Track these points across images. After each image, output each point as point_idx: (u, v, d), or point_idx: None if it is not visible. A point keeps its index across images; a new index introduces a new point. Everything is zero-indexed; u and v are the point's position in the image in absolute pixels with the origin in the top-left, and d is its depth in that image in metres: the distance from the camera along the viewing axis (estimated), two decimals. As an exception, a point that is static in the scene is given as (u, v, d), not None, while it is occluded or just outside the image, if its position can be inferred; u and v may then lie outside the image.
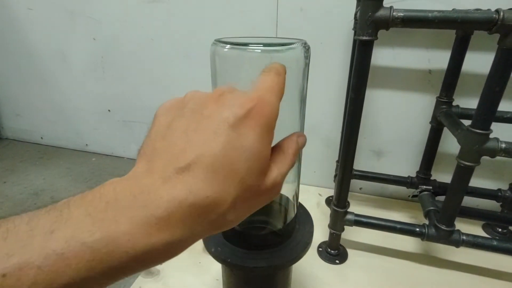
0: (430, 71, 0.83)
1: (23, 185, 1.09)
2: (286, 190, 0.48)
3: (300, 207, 0.51)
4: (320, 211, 0.94)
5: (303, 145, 0.27)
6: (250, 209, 0.22)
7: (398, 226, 0.69)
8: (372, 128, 0.93)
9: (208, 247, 0.43)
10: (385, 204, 0.98)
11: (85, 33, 1.12)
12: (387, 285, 0.70)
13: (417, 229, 0.68)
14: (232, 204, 0.19)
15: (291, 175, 0.47)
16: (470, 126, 0.57)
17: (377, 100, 0.89)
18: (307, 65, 0.38)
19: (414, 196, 0.86)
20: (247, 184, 0.19)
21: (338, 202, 0.70)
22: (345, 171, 0.65)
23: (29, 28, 1.18)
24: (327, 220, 0.85)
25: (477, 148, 0.56)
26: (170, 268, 0.74)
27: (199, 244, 0.82)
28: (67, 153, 1.33)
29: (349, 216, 0.71)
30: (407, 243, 0.82)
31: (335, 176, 0.92)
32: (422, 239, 0.68)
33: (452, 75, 0.75)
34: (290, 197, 0.47)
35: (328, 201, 0.98)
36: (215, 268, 0.74)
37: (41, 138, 1.40)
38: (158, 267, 0.74)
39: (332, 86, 0.92)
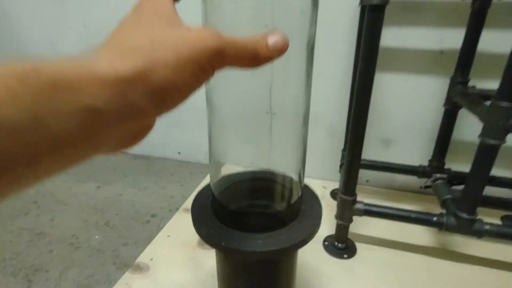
0: (442, 52, 0.77)
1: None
2: (290, 169, 0.42)
3: (306, 188, 0.45)
4: (325, 204, 0.86)
5: (276, 46, 0.22)
6: (186, 66, 0.19)
7: (413, 215, 0.62)
8: (380, 115, 0.87)
9: (200, 230, 0.37)
10: (394, 197, 0.91)
11: (75, 20, 1.07)
12: (400, 280, 0.63)
13: (435, 219, 0.61)
14: (154, 65, 0.18)
15: (294, 150, 0.41)
16: (494, 100, 0.51)
17: (384, 85, 0.83)
18: (315, 5, 0.32)
19: (426, 187, 0.80)
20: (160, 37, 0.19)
21: (346, 190, 0.64)
22: (354, 153, 0.59)
23: (17, 16, 1.13)
24: (332, 213, 0.78)
25: (503, 123, 0.50)
26: (160, 263, 0.67)
27: (193, 238, 0.76)
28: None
29: (358, 205, 0.65)
30: (421, 236, 0.76)
31: (340, 166, 0.85)
32: (440, 230, 0.61)
33: (468, 54, 0.69)
34: (295, 177, 0.41)
35: (333, 193, 0.91)
36: (211, 264, 0.67)
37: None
38: (148, 262, 0.67)
39: (336, 71, 0.86)
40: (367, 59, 0.53)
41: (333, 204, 0.86)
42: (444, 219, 0.60)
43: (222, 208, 0.40)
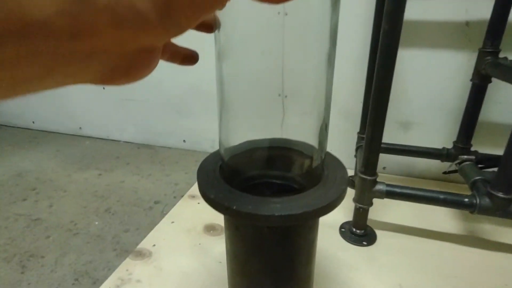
0: (467, 23, 0.71)
1: (7, 167, 0.99)
2: (308, 137, 0.36)
3: (328, 155, 0.39)
4: (339, 191, 0.81)
5: None
6: None
7: (442, 196, 0.56)
8: (398, 96, 0.81)
9: (206, 194, 0.32)
10: (414, 185, 0.84)
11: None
12: (427, 269, 0.57)
13: (466, 200, 0.55)
14: None
15: (313, 118, 0.35)
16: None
17: (403, 62, 0.78)
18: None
19: (451, 171, 0.73)
20: None
21: (367, 168, 0.58)
22: (376, 126, 0.54)
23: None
24: (348, 200, 0.72)
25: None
26: (164, 250, 0.62)
27: (199, 224, 0.71)
28: (59, 137, 1.22)
29: (379, 186, 0.59)
30: (445, 222, 0.69)
31: (356, 149, 0.80)
32: (472, 212, 0.55)
33: (498, 21, 0.63)
34: (315, 145, 0.36)
35: (348, 181, 0.85)
36: (218, 250, 0.62)
37: (33, 122, 1.30)
38: (150, 248, 0.62)
39: (350, 53, 0.81)
40: (392, 14, 0.47)
41: (349, 191, 0.81)
42: (477, 200, 0.54)
43: (233, 173, 0.35)
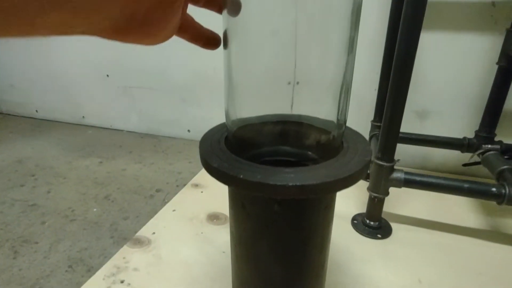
0: (493, 3, 0.67)
1: (7, 153, 0.97)
2: (326, 112, 0.32)
3: (348, 129, 0.35)
4: (351, 183, 0.77)
5: None
6: None
7: (466, 185, 0.52)
8: (415, 82, 0.76)
9: (209, 163, 0.28)
10: (430, 178, 0.80)
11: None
12: (449, 264, 0.52)
13: (493, 189, 0.50)
14: None
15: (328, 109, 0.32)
16: None
17: (421, 46, 0.73)
18: None
19: (471, 164, 0.68)
20: None
21: (384, 153, 0.53)
22: (396, 105, 0.49)
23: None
24: (360, 192, 0.69)
25: None
26: (163, 238, 0.58)
27: (202, 213, 0.67)
28: (62, 126, 1.20)
29: (397, 174, 0.55)
30: (466, 216, 0.65)
31: (370, 138, 0.75)
32: (500, 203, 0.50)
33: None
34: (333, 119, 0.32)
35: (360, 172, 0.81)
36: (222, 240, 0.58)
37: (36, 111, 1.28)
38: (150, 236, 0.59)
39: (364, 38, 0.76)
40: (413, 16, 0.43)
41: (362, 183, 0.76)
42: (506, 190, 0.50)
43: (240, 147, 0.31)
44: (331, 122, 0.32)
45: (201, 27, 0.27)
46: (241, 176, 0.25)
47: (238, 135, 0.32)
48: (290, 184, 0.24)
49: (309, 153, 0.33)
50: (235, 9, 0.26)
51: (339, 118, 0.32)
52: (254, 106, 0.34)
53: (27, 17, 0.12)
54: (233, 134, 0.32)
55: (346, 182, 0.26)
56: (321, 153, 0.32)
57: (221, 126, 0.35)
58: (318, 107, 0.33)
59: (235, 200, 0.31)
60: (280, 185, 0.24)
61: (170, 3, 0.18)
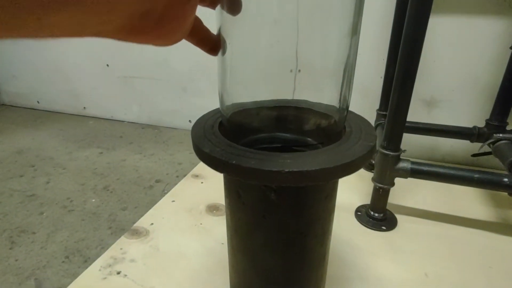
0: (508, -15, 0.63)
1: (7, 144, 0.96)
2: (328, 95, 0.30)
3: (351, 114, 0.33)
4: (355, 174, 0.74)
5: None
6: None
7: (476, 175, 0.49)
8: (423, 69, 0.73)
9: (200, 148, 0.26)
10: (437, 169, 0.78)
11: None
12: (457, 257, 0.50)
13: (505, 180, 0.48)
14: None
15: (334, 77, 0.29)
16: None
17: (430, 32, 0.69)
18: None
19: (480, 154, 0.66)
20: None
21: (390, 142, 0.51)
22: (403, 90, 0.47)
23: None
24: (364, 183, 0.67)
25: None
26: (162, 229, 0.57)
27: (202, 204, 0.65)
28: (63, 117, 1.19)
29: (403, 164, 0.52)
30: (474, 208, 0.62)
31: (375, 127, 0.72)
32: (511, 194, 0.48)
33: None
34: (336, 104, 0.30)
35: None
36: (221, 231, 0.56)
37: (38, 102, 1.27)
38: (148, 227, 0.57)
39: (369, 27, 0.73)
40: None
41: (365, 174, 0.74)
42: (519, 180, 0.47)
43: (235, 133, 0.29)
44: (333, 106, 0.30)
45: (208, 30, 0.25)
46: (234, 162, 0.23)
47: (233, 120, 0.30)
48: (286, 170, 0.22)
49: (309, 139, 0.31)
50: (235, 9, 0.24)
51: (341, 101, 0.30)
52: (253, 92, 0.32)
53: (33, 16, 0.11)
54: (227, 119, 0.30)
55: (348, 168, 0.24)
56: (322, 139, 0.30)
57: (216, 111, 0.33)
58: (319, 90, 0.31)
59: (230, 188, 0.30)
60: (275, 171, 0.22)
61: (187, 0, 0.17)
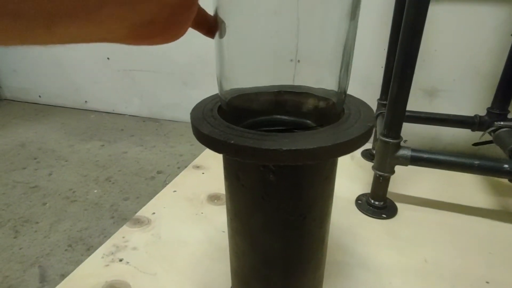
0: (510, -29, 0.62)
1: (10, 137, 0.97)
2: (329, 82, 0.30)
3: (350, 97, 0.33)
4: (356, 164, 0.75)
5: None
6: None
7: (476, 162, 0.49)
8: (424, 59, 0.73)
9: (199, 130, 0.26)
10: (438, 159, 0.78)
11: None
12: (457, 244, 0.51)
13: (506, 166, 0.48)
14: None
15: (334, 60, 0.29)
16: None
17: (430, 20, 0.69)
18: None
19: (481, 143, 0.66)
20: None
21: (390, 130, 0.51)
22: (403, 77, 0.46)
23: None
24: (364, 173, 0.67)
25: None
26: (163, 218, 0.57)
27: (203, 194, 0.66)
28: (65, 111, 1.19)
29: (403, 151, 0.52)
30: (474, 196, 0.62)
31: (376, 117, 0.72)
32: (512, 180, 0.48)
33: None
34: (334, 88, 0.30)
35: (365, 153, 0.79)
36: (222, 219, 0.57)
37: (39, 96, 1.27)
38: (149, 216, 0.58)
39: (369, 17, 0.72)
40: None
41: (366, 164, 0.74)
42: (519, 166, 0.47)
43: (234, 116, 0.30)
44: (331, 91, 0.30)
45: (206, 13, 0.25)
46: (232, 142, 0.23)
47: (232, 104, 0.30)
48: (284, 148, 0.22)
49: (309, 121, 0.31)
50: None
51: (340, 85, 0.30)
52: (252, 77, 0.32)
53: (44, 28, 0.13)
54: (226, 102, 0.30)
55: (346, 147, 0.24)
56: (322, 121, 0.30)
57: (215, 96, 0.34)
58: (318, 72, 0.31)
59: (229, 171, 0.30)
60: (273, 149, 0.22)
61: (190, 5, 0.18)
